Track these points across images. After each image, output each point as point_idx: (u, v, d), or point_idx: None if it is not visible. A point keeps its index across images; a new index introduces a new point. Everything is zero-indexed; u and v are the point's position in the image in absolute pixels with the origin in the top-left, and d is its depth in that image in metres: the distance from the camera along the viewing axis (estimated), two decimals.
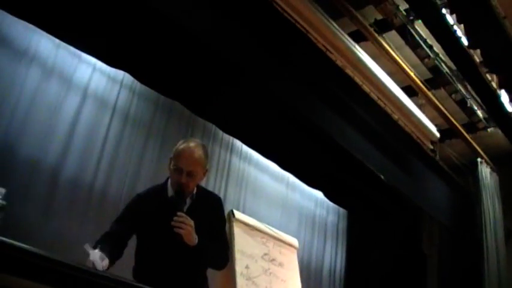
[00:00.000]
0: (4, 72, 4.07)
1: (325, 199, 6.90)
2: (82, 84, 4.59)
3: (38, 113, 4.25)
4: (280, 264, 4.66)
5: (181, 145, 3.08)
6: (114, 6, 3.93)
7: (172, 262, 2.87)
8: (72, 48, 4.42)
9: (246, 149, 5.98)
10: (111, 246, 2.77)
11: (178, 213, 2.81)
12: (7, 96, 4.06)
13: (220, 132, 5.70)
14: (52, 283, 1.83)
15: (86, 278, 1.82)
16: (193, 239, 2.83)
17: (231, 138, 5.84)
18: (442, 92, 6.66)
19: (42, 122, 4.27)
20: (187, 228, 2.79)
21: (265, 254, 4.55)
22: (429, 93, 6.46)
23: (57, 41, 4.33)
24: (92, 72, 4.67)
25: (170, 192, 3.06)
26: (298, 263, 5.02)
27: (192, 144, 3.07)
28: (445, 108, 6.70)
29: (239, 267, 4.16)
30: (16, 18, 3.96)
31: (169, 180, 3.10)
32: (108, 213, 4.49)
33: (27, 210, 3.92)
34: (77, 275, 1.79)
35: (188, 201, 3.01)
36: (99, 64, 4.62)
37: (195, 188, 3.10)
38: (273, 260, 4.60)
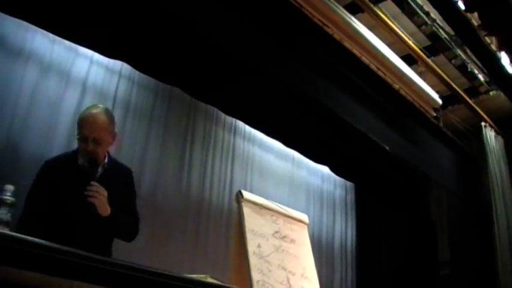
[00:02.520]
0: (1, 72, 4.07)
1: (332, 173, 6.91)
2: (80, 78, 4.59)
3: (39, 109, 4.25)
4: (292, 241, 4.67)
5: (83, 112, 3.05)
6: None
7: (82, 231, 2.79)
8: (67, 43, 4.40)
9: (249, 129, 5.99)
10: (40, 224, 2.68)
11: (92, 182, 2.78)
12: (7, 96, 4.07)
13: (223, 115, 5.70)
14: (61, 273, 1.85)
15: (99, 267, 1.83)
16: (106, 209, 2.81)
17: (234, 120, 5.85)
18: (441, 58, 6.64)
19: (44, 119, 4.27)
20: (100, 197, 2.77)
21: (276, 232, 4.56)
22: (429, 61, 6.44)
23: (52, 36, 4.32)
24: (89, 65, 4.66)
25: (80, 160, 3.00)
26: (309, 238, 5.04)
27: (94, 111, 3.02)
28: (446, 74, 6.68)
29: (251, 246, 4.17)
30: (9, 17, 3.96)
31: (77, 151, 3.06)
32: None
33: None
34: (88, 263, 1.80)
35: (100, 170, 2.97)
36: (96, 56, 4.62)
37: (107, 158, 3.07)
38: (284, 237, 4.62)
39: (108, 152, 3.14)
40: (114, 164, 3.18)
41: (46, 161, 3.09)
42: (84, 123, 2.96)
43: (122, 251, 4.33)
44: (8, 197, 2.17)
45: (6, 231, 2.07)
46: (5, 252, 1.71)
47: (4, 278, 1.75)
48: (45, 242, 1.93)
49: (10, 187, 2.17)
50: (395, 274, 6.84)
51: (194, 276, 2.31)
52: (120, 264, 1.94)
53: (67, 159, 3.07)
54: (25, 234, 2.30)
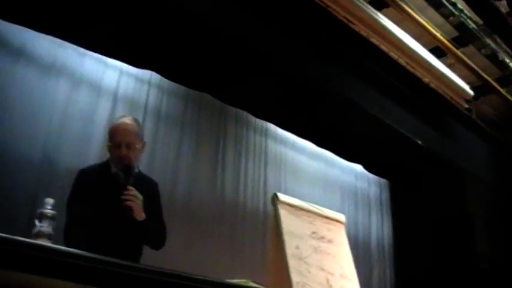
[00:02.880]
0: (35, 88, 4.16)
1: (366, 171, 6.87)
2: (111, 89, 4.66)
3: (72, 122, 4.33)
4: (330, 241, 4.63)
5: (115, 121, 3.25)
6: (133, 8, 3.96)
7: (117, 236, 2.86)
8: (97, 55, 4.49)
9: (281, 131, 5.98)
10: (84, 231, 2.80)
11: (129, 187, 2.87)
12: (41, 110, 4.15)
13: (253, 118, 5.72)
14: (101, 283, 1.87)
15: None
16: (141, 214, 2.90)
17: (265, 122, 5.85)
18: (470, 48, 6.53)
19: (77, 131, 4.35)
20: (137, 202, 2.87)
21: (314, 233, 4.51)
22: (458, 52, 6.35)
23: (81, 50, 4.40)
24: (119, 76, 4.73)
25: (113, 169, 3.10)
26: None
27: (124, 119, 3.20)
28: (476, 65, 6.58)
29: (289, 248, 4.13)
30: (39, 34, 4.04)
31: (109, 160, 3.16)
32: None
33: None
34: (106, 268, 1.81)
35: (131, 179, 3.02)
36: (125, 67, 4.68)
37: (136, 169, 3.17)
38: (322, 237, 4.57)
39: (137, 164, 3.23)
40: (141, 176, 3.28)
41: (81, 169, 3.20)
42: (116, 131, 3.12)
43: (158, 258, 4.36)
44: (49, 210, 2.21)
45: (49, 243, 2.10)
46: (46, 263, 1.73)
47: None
48: (85, 252, 1.95)
49: (50, 200, 2.20)
50: (434, 270, 6.75)
51: (235, 281, 2.31)
52: (162, 272, 1.96)
53: (100, 169, 3.18)
54: (73, 243, 2.35)
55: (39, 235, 2.17)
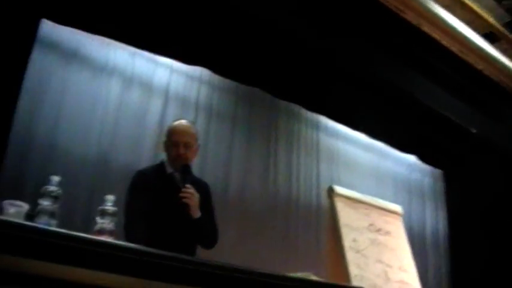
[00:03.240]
0: (88, 89, 4.26)
1: (419, 162, 6.76)
2: (162, 87, 4.71)
3: (125, 122, 4.40)
4: (387, 233, 4.59)
5: (173, 123, 3.36)
6: (182, 5, 3.98)
7: (172, 233, 2.91)
8: (147, 54, 4.54)
9: (332, 124, 5.93)
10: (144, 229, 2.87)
11: (187, 185, 2.96)
12: (95, 111, 4.24)
13: (305, 112, 5.68)
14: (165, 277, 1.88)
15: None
16: (197, 211, 2.98)
17: (316, 115, 5.80)
18: None
19: (130, 130, 4.41)
20: (194, 199, 2.95)
21: (371, 225, 4.49)
22: (511, 37, 6.17)
23: (132, 49, 4.46)
24: (170, 74, 4.76)
25: (169, 169, 3.20)
26: None
27: (182, 121, 3.37)
28: None
29: (347, 241, 4.13)
30: (91, 36, 4.12)
31: (165, 161, 3.26)
32: None
33: None
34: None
35: (188, 178, 3.08)
36: (176, 64, 4.72)
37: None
38: (379, 229, 4.54)
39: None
40: (195, 177, 3.35)
41: (138, 170, 3.28)
42: (175, 131, 3.25)
43: (213, 253, 4.40)
44: (110, 207, 2.23)
45: (111, 239, 2.12)
46: (107, 259, 1.74)
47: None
48: (147, 248, 1.97)
49: (111, 197, 2.23)
50: (491, 260, 6.60)
51: (298, 274, 2.30)
52: (225, 267, 1.95)
53: (156, 170, 3.27)
54: (133, 239, 2.38)
55: (102, 232, 2.19)
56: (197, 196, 2.97)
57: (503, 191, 6.84)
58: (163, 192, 3.05)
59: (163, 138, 3.31)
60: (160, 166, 3.26)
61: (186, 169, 3.11)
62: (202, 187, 3.28)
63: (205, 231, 3.16)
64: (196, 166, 4.64)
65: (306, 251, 5.28)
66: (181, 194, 2.91)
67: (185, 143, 3.15)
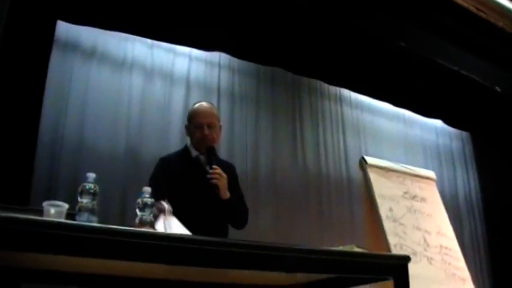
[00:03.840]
0: (111, 84, 4.29)
1: (446, 126, 6.70)
2: (183, 76, 4.73)
3: (150, 113, 4.44)
4: (423, 200, 4.57)
5: (193, 106, 3.32)
6: None
7: (203, 216, 2.84)
8: (165, 45, 4.56)
9: (355, 96, 5.91)
10: None
11: (214, 166, 2.94)
12: (120, 105, 4.27)
13: (326, 86, 5.67)
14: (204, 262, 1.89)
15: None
16: (226, 192, 2.97)
17: (339, 89, 5.79)
18: None
19: (156, 120, 4.45)
20: (223, 180, 2.92)
21: (405, 193, 4.47)
22: None
23: (150, 41, 4.48)
24: (189, 62, 4.77)
25: (194, 153, 3.17)
26: None
27: (203, 103, 3.33)
28: None
29: (383, 211, 4.11)
30: (108, 32, 4.14)
31: (188, 145, 3.24)
32: None
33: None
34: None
35: (214, 159, 3.06)
36: (194, 52, 4.73)
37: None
38: (414, 196, 4.52)
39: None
40: (221, 159, 3.32)
41: (161, 158, 3.28)
42: (197, 113, 3.21)
43: (248, 234, 4.42)
44: (148, 199, 2.23)
45: (151, 230, 2.13)
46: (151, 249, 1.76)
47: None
48: (187, 235, 1.98)
49: (148, 189, 2.23)
50: None
51: (340, 248, 2.30)
52: (268, 246, 1.96)
53: (180, 155, 3.26)
54: None
55: (143, 223, 2.20)
56: (225, 177, 2.95)
57: None
58: (190, 176, 3.04)
59: (185, 123, 3.30)
60: (185, 150, 3.25)
61: (211, 151, 3.09)
62: (228, 168, 3.26)
63: (236, 211, 3.15)
64: (224, 151, 4.68)
65: (341, 225, 5.30)
66: (209, 175, 2.89)
67: (208, 124, 3.13)
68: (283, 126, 5.25)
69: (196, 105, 3.30)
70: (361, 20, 4.60)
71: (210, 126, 3.14)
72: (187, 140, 3.27)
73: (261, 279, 2.63)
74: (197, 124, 3.14)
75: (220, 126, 3.29)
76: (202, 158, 3.12)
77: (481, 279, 6.47)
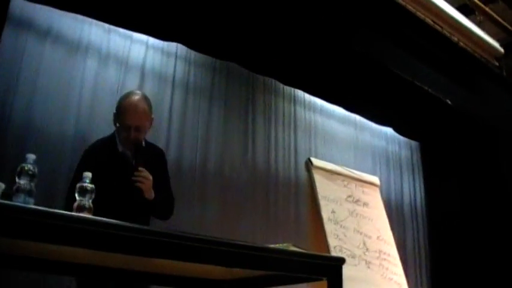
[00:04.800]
0: (64, 66, 4.21)
1: (396, 134, 6.83)
2: (138, 64, 4.68)
3: (102, 99, 4.38)
4: (365, 204, 4.67)
5: (124, 100, 3.04)
6: None
7: (125, 211, 2.64)
8: (122, 31, 4.51)
9: (309, 97, 5.97)
10: None
11: (140, 168, 2.84)
12: (71, 88, 4.21)
13: (281, 86, 5.70)
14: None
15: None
16: (151, 193, 2.90)
17: (293, 89, 5.83)
18: (500, 4, 6.36)
19: (107, 107, 4.35)
20: (147, 183, 2.86)
21: (349, 196, 4.56)
22: (487, 9, 6.19)
23: (107, 26, 4.42)
24: (145, 50, 4.74)
25: (120, 147, 3.04)
26: None
27: (135, 98, 3.04)
28: (506, 21, 6.41)
29: (325, 213, 4.19)
30: (64, 13, 4.07)
31: (116, 135, 3.08)
32: (185, 185, 4.63)
33: None
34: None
35: (140, 159, 2.96)
36: (151, 40, 4.69)
37: (143, 142, 3.09)
38: (357, 200, 4.61)
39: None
40: (148, 146, 3.19)
41: (85, 149, 3.16)
42: (126, 112, 2.98)
43: (194, 225, 4.45)
44: (88, 184, 2.22)
45: (90, 215, 2.12)
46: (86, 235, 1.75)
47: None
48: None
49: (88, 174, 2.21)
50: (467, 230, 6.71)
51: (277, 245, 2.33)
52: (205, 239, 1.97)
53: (106, 146, 3.10)
54: None
55: (81, 208, 2.19)
56: (150, 178, 2.86)
57: (479, 161, 6.93)
58: (116, 171, 2.94)
59: (114, 111, 3.08)
60: (112, 141, 3.09)
61: (137, 150, 2.97)
62: (157, 155, 3.20)
63: (160, 209, 3.09)
64: (174, 141, 4.68)
65: (286, 223, 5.34)
66: (133, 178, 2.81)
67: (137, 127, 2.94)
68: (235, 121, 5.26)
69: (127, 100, 3.03)
70: (320, 24, 4.64)
71: (138, 128, 2.96)
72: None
73: (201, 272, 2.65)
74: (124, 125, 2.96)
75: (152, 119, 3.14)
76: (128, 153, 3.00)
77: (421, 285, 6.62)
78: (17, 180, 1.98)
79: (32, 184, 1.99)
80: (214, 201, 4.85)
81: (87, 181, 2.26)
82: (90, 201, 2.24)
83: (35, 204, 1.86)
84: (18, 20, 4.00)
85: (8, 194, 1.95)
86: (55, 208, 1.75)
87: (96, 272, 2.54)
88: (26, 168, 1.99)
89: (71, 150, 4.06)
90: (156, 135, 4.59)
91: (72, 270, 2.53)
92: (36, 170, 2.00)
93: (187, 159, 4.78)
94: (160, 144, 4.54)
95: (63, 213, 1.73)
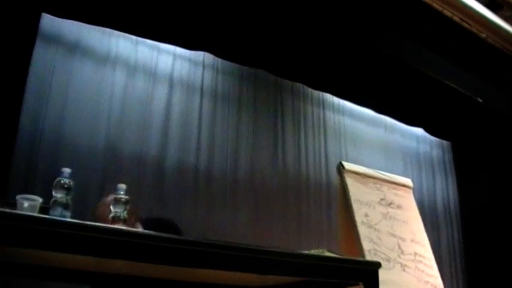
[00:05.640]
0: (93, 79, 4.27)
1: (427, 134, 6.76)
2: (166, 74, 4.72)
3: (131, 109, 4.43)
4: (399, 207, 4.62)
5: None
6: None
7: None
8: (150, 42, 4.55)
9: (337, 100, 5.94)
10: None
11: None
12: (101, 100, 4.26)
13: (309, 90, 5.69)
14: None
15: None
16: None
17: (321, 93, 5.81)
18: None
19: (137, 117, 4.44)
20: None
21: (382, 199, 4.52)
22: None
23: (134, 38, 4.47)
24: (173, 60, 4.78)
25: None
26: None
27: None
28: None
29: (359, 216, 4.16)
30: (92, 27, 4.13)
31: None
32: (217, 192, 4.66)
33: (141, 202, 4.03)
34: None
35: None
36: (179, 50, 4.73)
37: None
38: (391, 203, 4.57)
39: None
40: None
41: None
42: None
43: (227, 233, 4.47)
44: (122, 196, 2.25)
45: (124, 227, 2.14)
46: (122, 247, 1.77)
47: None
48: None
49: (123, 186, 2.24)
50: (502, 230, 6.60)
51: (312, 251, 2.32)
52: (239, 247, 1.97)
53: None
54: None
55: (115, 220, 2.22)
56: None
57: (511, 159, 6.83)
58: None
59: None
60: None
61: None
62: None
63: None
64: (204, 150, 4.71)
65: (318, 228, 5.32)
66: None
67: None
68: (264, 128, 5.26)
69: None
70: (346, 27, 4.63)
71: None
72: None
73: (234, 279, 2.65)
74: None
75: None
76: None
77: (457, 286, 6.53)
78: (53, 193, 2.01)
79: (68, 197, 2.02)
80: (246, 208, 4.85)
81: (122, 192, 2.28)
82: (125, 212, 2.26)
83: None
84: (48, 35, 4.07)
85: (45, 208, 1.98)
86: (86, 220, 1.77)
87: (130, 282, 2.56)
88: (62, 181, 2.03)
89: (101, 162, 4.11)
90: (187, 144, 4.64)
91: (107, 280, 2.55)
92: (71, 183, 2.04)
93: (218, 167, 4.79)
94: (191, 153, 4.62)
95: (96, 226, 1.75)
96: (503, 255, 6.46)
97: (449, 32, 5.50)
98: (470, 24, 5.78)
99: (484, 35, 5.98)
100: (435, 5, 5.32)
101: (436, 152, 7.16)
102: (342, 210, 4.36)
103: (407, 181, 5.05)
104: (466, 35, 5.75)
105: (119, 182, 2.31)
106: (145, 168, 4.36)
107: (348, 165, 4.44)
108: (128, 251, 1.78)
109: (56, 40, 4.12)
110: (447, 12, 5.46)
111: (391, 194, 4.62)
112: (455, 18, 5.58)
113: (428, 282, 4.42)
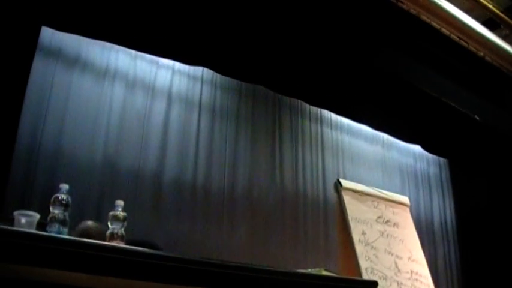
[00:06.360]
0: (92, 93, 4.27)
1: (424, 152, 6.76)
2: (165, 89, 4.73)
3: (129, 125, 4.42)
4: (396, 225, 4.62)
5: None
6: (179, 6, 4.00)
7: None
8: (149, 56, 4.56)
9: (335, 117, 5.95)
10: None
11: None
12: (99, 114, 4.26)
13: (307, 106, 5.71)
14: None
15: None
16: None
17: (319, 109, 5.83)
18: None
19: (135, 132, 4.43)
20: None
21: (379, 217, 4.51)
22: None
23: (133, 52, 4.49)
24: (172, 75, 4.79)
25: None
26: None
27: None
28: None
29: (356, 234, 4.15)
30: (91, 41, 4.14)
31: None
32: (214, 207, 4.64)
33: (138, 217, 4.03)
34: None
35: None
36: (177, 65, 4.74)
37: None
38: (388, 221, 4.56)
39: None
40: None
41: None
42: None
43: (223, 249, 4.46)
44: (120, 212, 2.24)
45: (122, 245, 2.14)
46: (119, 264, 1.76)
47: None
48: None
49: (120, 202, 2.25)
50: (500, 249, 6.59)
51: (309, 270, 2.31)
52: (236, 266, 1.97)
53: None
54: None
55: (113, 236, 2.21)
56: None
57: (509, 177, 6.83)
58: None
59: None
60: None
61: None
62: None
63: None
64: (202, 165, 4.71)
65: (316, 246, 5.31)
66: None
67: None
68: (262, 144, 5.26)
69: None
70: (346, 44, 4.65)
71: None
72: None
73: None
74: None
75: None
76: None
77: None
78: (51, 209, 2.01)
79: (66, 214, 2.02)
80: (244, 224, 4.84)
81: (119, 209, 2.28)
82: (123, 229, 2.26)
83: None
84: (48, 49, 4.08)
85: (42, 224, 1.98)
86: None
87: None
88: (59, 198, 2.03)
89: (99, 178, 4.11)
90: (184, 159, 4.64)
91: None
92: (69, 199, 2.04)
93: (216, 183, 4.79)
94: (188, 169, 4.62)
95: (94, 243, 1.75)
96: (500, 273, 6.44)
97: (447, 50, 5.53)
98: (468, 43, 5.80)
99: (481, 53, 6.01)
100: (433, 24, 5.36)
101: (433, 169, 7.17)
102: (339, 228, 4.36)
103: (405, 199, 5.05)
104: (464, 53, 5.78)
105: (116, 197, 2.31)
106: (143, 183, 4.35)
107: (345, 183, 4.44)
108: (123, 269, 1.77)
109: (55, 54, 4.13)
110: (445, 31, 5.49)
111: (388, 211, 4.61)
112: (453, 37, 5.61)
113: None
